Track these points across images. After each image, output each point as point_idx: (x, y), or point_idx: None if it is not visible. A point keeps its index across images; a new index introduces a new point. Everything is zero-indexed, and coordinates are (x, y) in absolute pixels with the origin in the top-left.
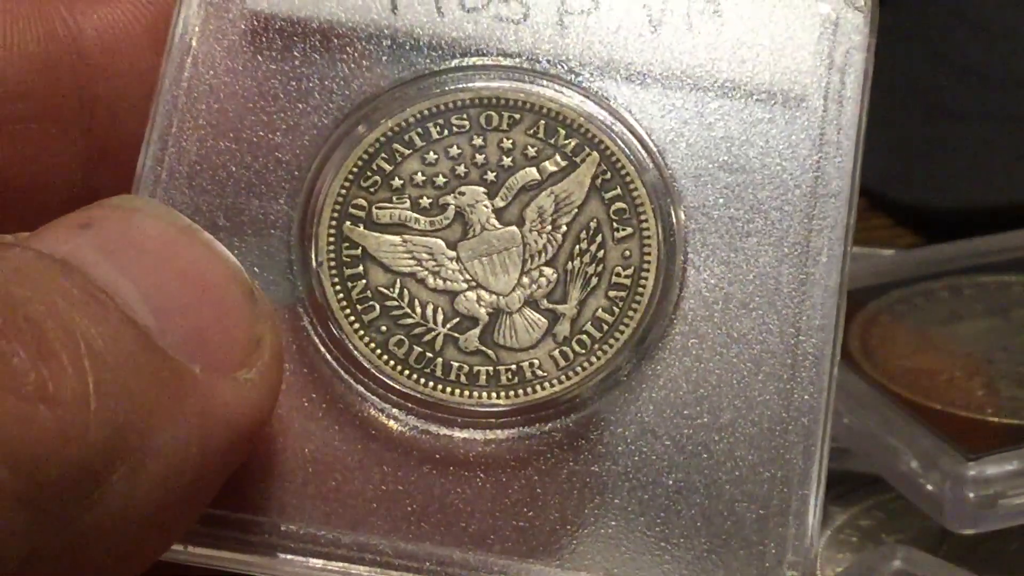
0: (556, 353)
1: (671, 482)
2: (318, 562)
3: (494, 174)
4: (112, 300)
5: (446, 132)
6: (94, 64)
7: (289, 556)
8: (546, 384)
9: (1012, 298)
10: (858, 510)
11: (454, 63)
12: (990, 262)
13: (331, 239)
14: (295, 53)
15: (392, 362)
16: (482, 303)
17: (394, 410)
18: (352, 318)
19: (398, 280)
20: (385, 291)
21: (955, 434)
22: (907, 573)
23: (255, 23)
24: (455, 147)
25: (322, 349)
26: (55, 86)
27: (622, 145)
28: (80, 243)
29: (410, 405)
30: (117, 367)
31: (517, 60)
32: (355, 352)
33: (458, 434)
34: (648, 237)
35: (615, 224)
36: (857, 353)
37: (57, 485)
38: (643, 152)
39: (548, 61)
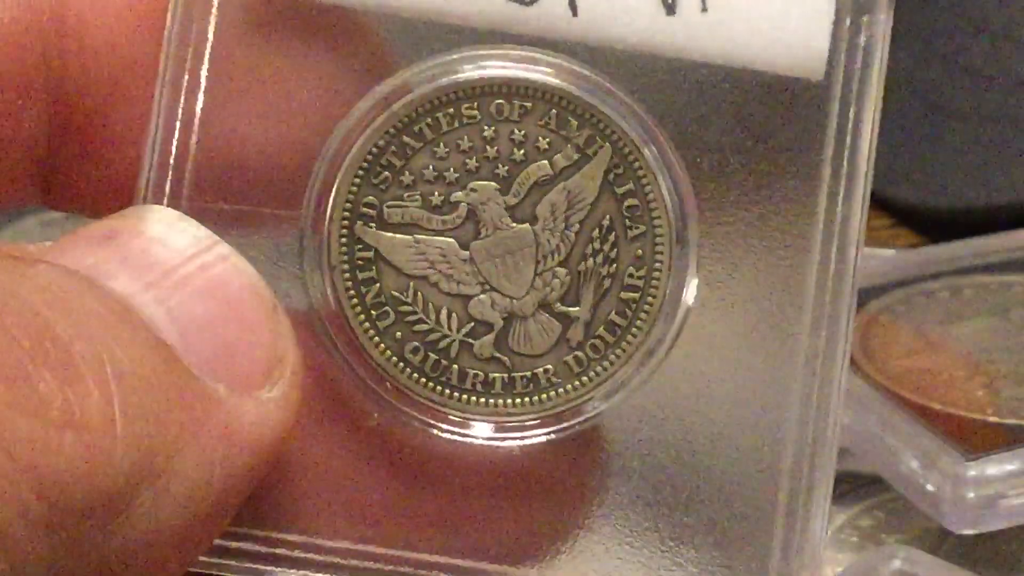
0: (570, 359)
1: (680, 488)
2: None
3: (506, 168)
4: (138, 318)
5: (456, 123)
6: (70, 38)
7: (300, 569)
8: (560, 391)
9: (1012, 298)
10: (858, 510)
11: (464, 50)
12: (990, 262)
13: (343, 241)
14: (301, 42)
15: (408, 370)
16: (496, 307)
17: (409, 418)
18: (367, 325)
19: (411, 284)
20: (399, 296)
21: (955, 434)
22: (907, 573)
23: (259, 9)
24: (465, 139)
25: (336, 357)
26: (22, 56)
27: (635, 136)
28: (103, 257)
29: (426, 413)
30: (143, 389)
31: (528, 46)
32: (370, 360)
33: (474, 442)
34: (660, 236)
35: (627, 222)
36: (857, 353)
37: (82, 510)
38: (656, 144)
39: (560, 47)
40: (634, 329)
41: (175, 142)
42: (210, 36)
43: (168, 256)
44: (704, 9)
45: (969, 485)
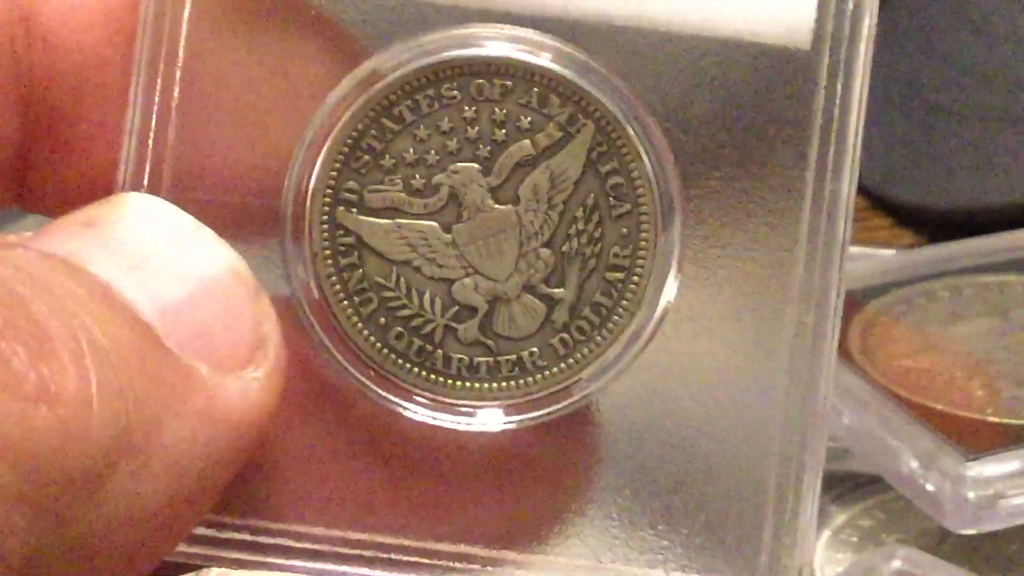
0: (555, 341)
1: (670, 470)
2: (316, 564)
3: (488, 149)
4: (118, 299)
5: (436, 105)
6: (37, 37)
7: (288, 558)
8: (546, 373)
9: (1012, 298)
10: (858, 510)
11: (443, 29)
12: (990, 262)
13: (325, 227)
14: (277, 27)
15: (393, 355)
16: (480, 290)
17: (394, 405)
18: (350, 311)
19: (394, 269)
20: (382, 281)
21: (955, 434)
22: (907, 573)
23: None
24: (446, 120)
25: (319, 344)
26: None
27: (618, 113)
28: (83, 242)
29: (410, 400)
30: (121, 366)
31: (508, 24)
32: (354, 347)
33: (459, 427)
34: (645, 214)
35: (612, 200)
36: (857, 353)
37: (59, 484)
38: (640, 121)
39: (541, 24)
40: (620, 309)
41: (152, 132)
42: (184, 23)
43: (149, 241)
44: None
45: (969, 485)
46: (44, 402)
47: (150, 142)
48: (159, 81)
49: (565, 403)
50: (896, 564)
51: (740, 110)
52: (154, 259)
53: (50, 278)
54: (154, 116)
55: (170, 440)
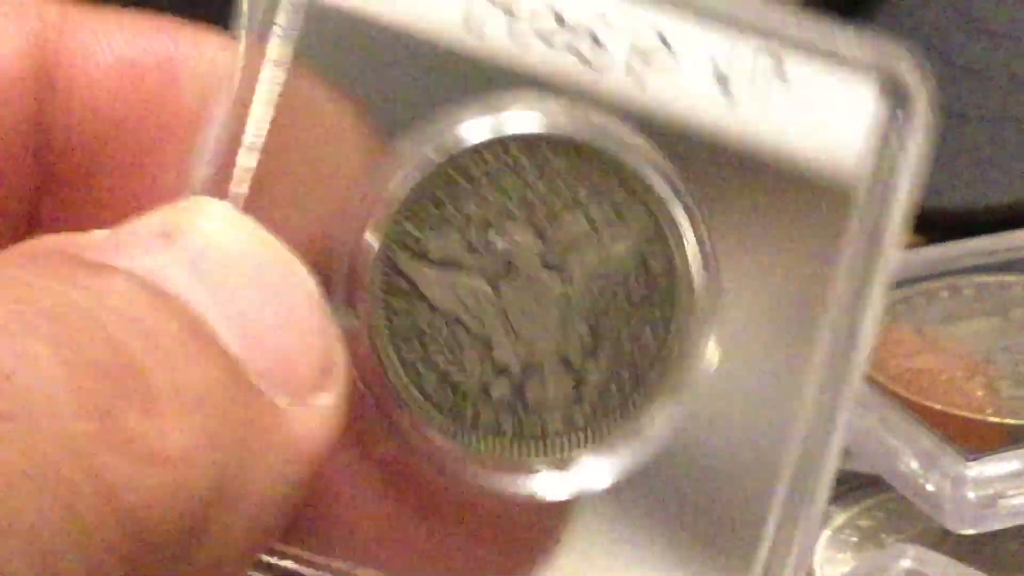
0: (579, 415)
1: (675, 485)
2: None
3: (545, 218)
4: (207, 332)
5: (502, 166)
6: (62, 90)
7: None
8: (567, 442)
9: (1012, 298)
10: (858, 510)
11: (516, 92)
12: (990, 262)
13: (382, 269)
14: (366, 68)
15: (426, 403)
16: (517, 354)
17: (421, 453)
18: (393, 355)
19: (441, 320)
20: (427, 330)
21: (955, 434)
22: (917, 572)
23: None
24: (511, 184)
25: (359, 383)
26: (15, 106)
27: (672, 207)
28: (164, 259)
29: (438, 448)
30: (215, 412)
31: (582, 99)
32: (391, 390)
33: (477, 484)
34: (682, 305)
35: (654, 284)
36: None
37: (161, 542)
38: (692, 218)
39: (615, 105)
40: (648, 392)
41: (243, 149)
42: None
43: (228, 256)
44: (754, 95)
45: (969, 485)
46: (152, 462)
47: (239, 153)
48: (251, 117)
49: (585, 471)
50: (906, 563)
51: (776, 222)
52: (235, 279)
53: (147, 316)
54: (244, 132)
55: (258, 482)
